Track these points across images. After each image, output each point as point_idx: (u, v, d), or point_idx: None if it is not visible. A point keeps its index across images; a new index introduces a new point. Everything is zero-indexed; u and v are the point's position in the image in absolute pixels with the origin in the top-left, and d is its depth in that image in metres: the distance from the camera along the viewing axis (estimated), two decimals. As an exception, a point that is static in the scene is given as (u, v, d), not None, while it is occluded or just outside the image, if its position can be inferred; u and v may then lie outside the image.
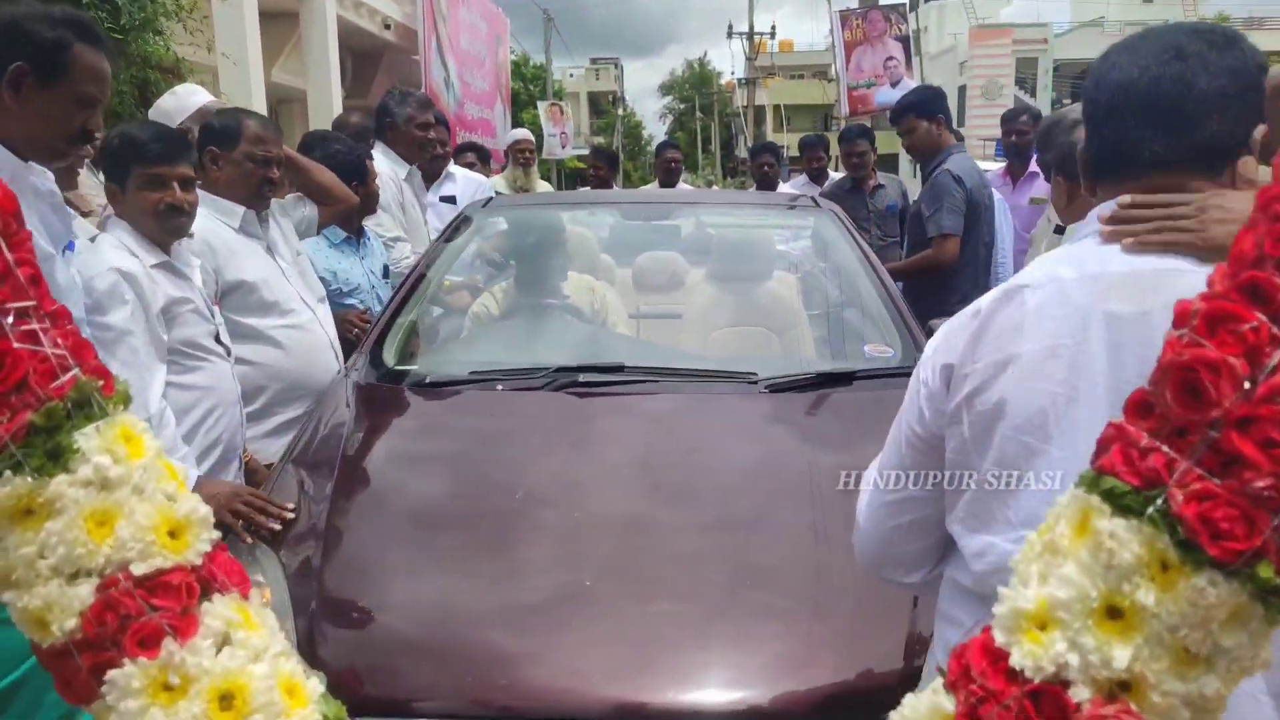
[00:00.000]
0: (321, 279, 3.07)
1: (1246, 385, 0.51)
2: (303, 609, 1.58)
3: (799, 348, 2.97)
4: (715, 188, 20.41)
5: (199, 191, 2.35)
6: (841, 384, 2.28)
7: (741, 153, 40.58)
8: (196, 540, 0.72)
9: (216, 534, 0.76)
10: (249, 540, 1.75)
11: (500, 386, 2.28)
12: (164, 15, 5.13)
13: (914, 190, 5.84)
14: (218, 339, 2.21)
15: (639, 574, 1.65)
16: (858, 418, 2.14)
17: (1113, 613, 0.53)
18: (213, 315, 2.22)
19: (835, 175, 5.69)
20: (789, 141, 38.86)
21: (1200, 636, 0.53)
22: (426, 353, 2.73)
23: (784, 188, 6.07)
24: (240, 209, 2.52)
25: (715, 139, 51.84)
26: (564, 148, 17.03)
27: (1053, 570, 0.55)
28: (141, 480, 0.70)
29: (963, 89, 34.99)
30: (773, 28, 41.55)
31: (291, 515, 1.80)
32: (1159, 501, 0.51)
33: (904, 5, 10.46)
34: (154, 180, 2.03)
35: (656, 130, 64.68)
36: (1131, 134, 1.07)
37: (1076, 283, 1.03)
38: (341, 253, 3.22)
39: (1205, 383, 0.50)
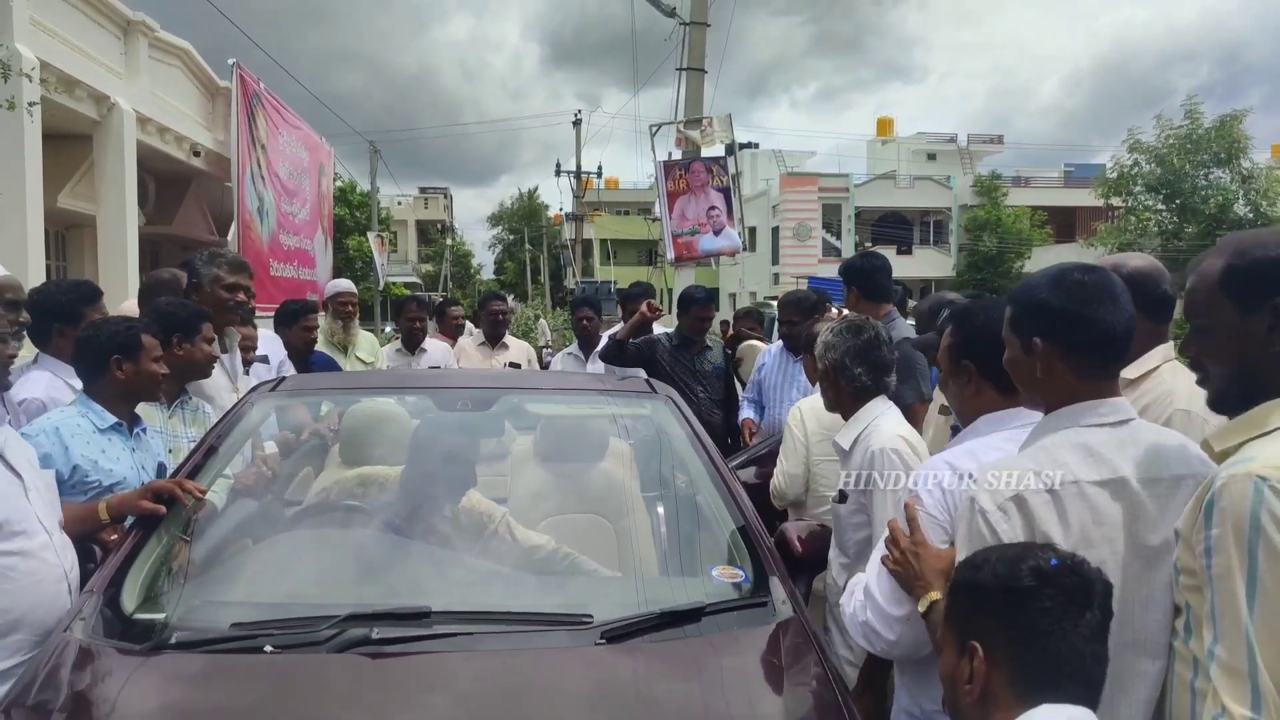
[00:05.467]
0: (75, 466, 2.50)
1: None
2: None
3: (637, 547, 2.65)
4: (543, 320, 20.23)
5: None
6: (688, 622, 1.96)
7: (570, 283, 41.11)
8: None
9: None
10: None
11: (269, 647, 1.79)
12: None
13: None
14: None
15: None
16: (711, 673, 1.82)
17: None
18: None
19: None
20: (616, 274, 39.87)
21: None
22: (184, 587, 2.09)
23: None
24: None
25: (544, 269, 52.56)
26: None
27: None
28: None
29: (775, 230, 37.34)
30: (599, 167, 43.24)
31: None
32: None
33: (724, 159, 10.90)
34: None
35: (485, 258, 65.08)
36: None
37: None
38: (108, 440, 2.64)
39: None
